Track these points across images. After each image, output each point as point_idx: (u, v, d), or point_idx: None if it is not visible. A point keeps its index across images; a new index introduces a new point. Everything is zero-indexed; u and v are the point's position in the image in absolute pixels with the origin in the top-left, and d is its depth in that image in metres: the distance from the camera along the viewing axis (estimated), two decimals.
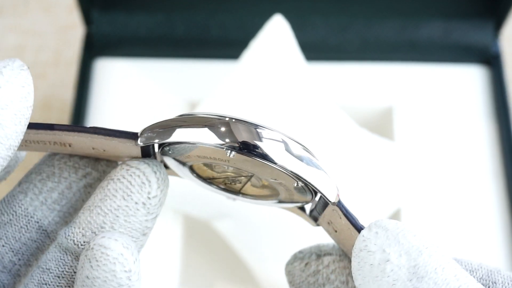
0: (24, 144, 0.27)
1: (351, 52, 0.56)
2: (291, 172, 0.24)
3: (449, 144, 0.53)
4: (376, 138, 0.51)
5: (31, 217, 0.27)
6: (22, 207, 0.26)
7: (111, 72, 0.56)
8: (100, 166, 0.27)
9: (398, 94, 0.55)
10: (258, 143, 0.23)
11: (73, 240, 0.25)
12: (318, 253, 0.28)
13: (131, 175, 0.25)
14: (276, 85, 0.48)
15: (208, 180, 0.27)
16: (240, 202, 0.30)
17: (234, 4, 0.56)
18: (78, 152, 0.27)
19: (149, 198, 0.25)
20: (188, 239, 0.52)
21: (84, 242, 0.25)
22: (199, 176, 0.27)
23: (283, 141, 0.24)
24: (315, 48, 0.56)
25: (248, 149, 0.23)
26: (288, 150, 0.24)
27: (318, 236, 0.48)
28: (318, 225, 0.28)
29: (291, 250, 0.48)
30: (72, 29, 0.68)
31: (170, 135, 0.24)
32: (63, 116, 0.63)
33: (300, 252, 0.28)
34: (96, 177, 0.27)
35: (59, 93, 0.65)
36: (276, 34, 0.50)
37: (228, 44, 0.56)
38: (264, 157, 0.24)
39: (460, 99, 0.55)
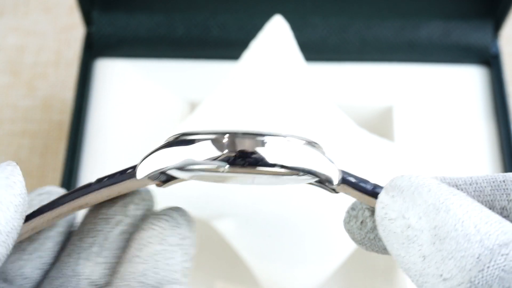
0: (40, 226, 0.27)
1: (351, 52, 0.56)
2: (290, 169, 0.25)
3: (448, 144, 0.53)
4: (376, 138, 0.51)
5: (80, 275, 0.27)
6: (69, 268, 0.27)
7: (112, 72, 0.57)
8: (129, 211, 0.28)
9: (397, 94, 0.55)
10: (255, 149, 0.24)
11: None
12: (371, 209, 0.27)
13: (159, 221, 0.27)
14: (276, 85, 0.48)
15: None
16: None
17: (234, 4, 0.56)
18: (94, 204, 0.28)
19: (182, 239, 0.27)
20: None
21: None
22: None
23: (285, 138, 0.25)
24: (315, 48, 0.56)
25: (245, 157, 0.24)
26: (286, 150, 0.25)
27: (318, 237, 0.48)
28: (337, 192, 0.28)
29: (291, 249, 0.48)
30: (73, 30, 0.68)
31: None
32: (64, 117, 0.63)
33: (352, 209, 0.28)
34: (128, 223, 0.28)
35: (60, 93, 0.65)
36: (276, 35, 0.50)
37: (228, 44, 0.56)
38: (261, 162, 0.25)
39: (460, 99, 0.55)
